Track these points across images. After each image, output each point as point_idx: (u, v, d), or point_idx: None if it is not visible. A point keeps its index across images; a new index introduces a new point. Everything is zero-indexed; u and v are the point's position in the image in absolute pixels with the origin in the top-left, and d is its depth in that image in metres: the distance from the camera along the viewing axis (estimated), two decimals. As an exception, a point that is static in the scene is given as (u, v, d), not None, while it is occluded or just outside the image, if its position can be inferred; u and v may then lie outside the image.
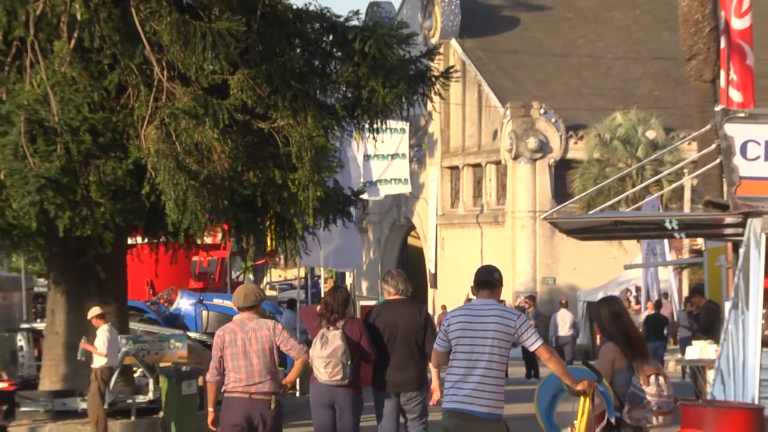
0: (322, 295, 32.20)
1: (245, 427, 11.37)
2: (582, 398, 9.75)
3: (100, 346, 19.31)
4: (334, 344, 12.61)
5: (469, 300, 39.74)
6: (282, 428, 11.76)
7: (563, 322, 34.56)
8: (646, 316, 33.02)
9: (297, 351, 11.56)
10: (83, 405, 20.32)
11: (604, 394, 9.86)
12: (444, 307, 34.02)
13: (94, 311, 19.69)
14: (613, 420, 9.77)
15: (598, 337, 35.10)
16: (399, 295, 13.06)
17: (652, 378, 9.69)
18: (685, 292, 34.94)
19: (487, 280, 9.80)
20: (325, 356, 12.60)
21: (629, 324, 10.11)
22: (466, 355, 9.52)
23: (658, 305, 33.54)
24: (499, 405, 9.54)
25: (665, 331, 31.47)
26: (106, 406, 20.31)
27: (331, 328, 12.76)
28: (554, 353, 9.87)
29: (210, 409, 11.52)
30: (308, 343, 26.09)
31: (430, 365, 10.46)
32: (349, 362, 12.60)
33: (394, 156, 34.81)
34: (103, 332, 19.37)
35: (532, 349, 9.68)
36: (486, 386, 9.47)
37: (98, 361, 19.47)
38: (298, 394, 25.11)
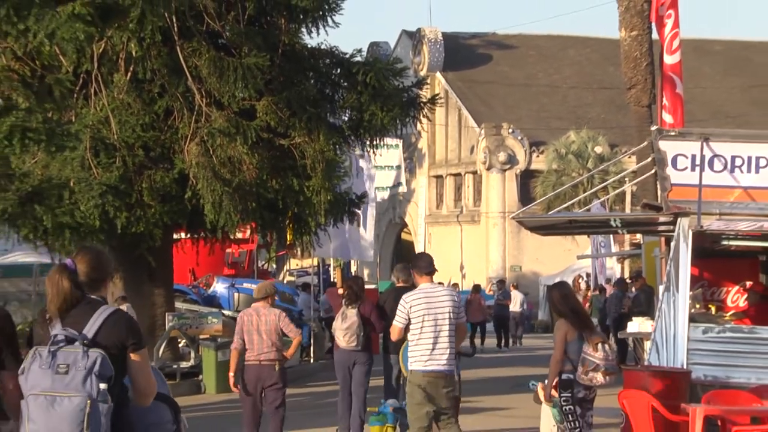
0: (332, 280, 32.19)
1: (258, 386, 11.98)
2: None
3: None
4: (351, 319, 13.26)
5: (455, 284, 39.55)
6: (287, 385, 12.28)
7: (514, 300, 34.77)
8: (592, 296, 32.95)
9: (293, 333, 12.25)
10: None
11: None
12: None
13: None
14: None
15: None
16: (405, 283, 13.56)
17: (600, 346, 9.69)
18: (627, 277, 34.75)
19: (433, 270, 9.92)
20: (344, 328, 13.27)
21: (576, 303, 10.19)
22: (433, 328, 9.59)
23: (601, 289, 33.39)
24: (454, 363, 9.83)
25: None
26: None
27: (350, 307, 13.36)
28: (464, 327, 10.17)
29: (231, 374, 12.12)
30: (320, 320, 26.22)
31: (391, 337, 10.54)
32: (362, 333, 13.25)
33: (390, 167, 34.72)
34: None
35: (460, 321, 9.82)
36: (449, 350, 9.63)
37: None
38: (312, 361, 25.05)
